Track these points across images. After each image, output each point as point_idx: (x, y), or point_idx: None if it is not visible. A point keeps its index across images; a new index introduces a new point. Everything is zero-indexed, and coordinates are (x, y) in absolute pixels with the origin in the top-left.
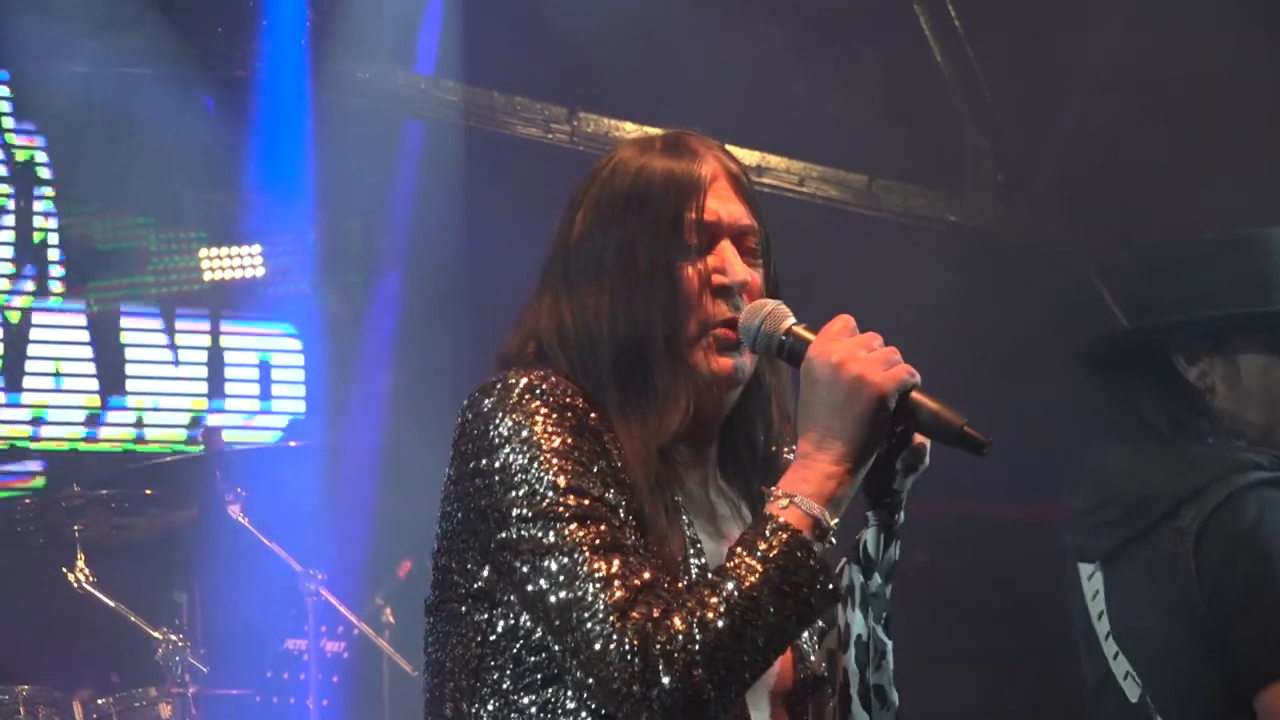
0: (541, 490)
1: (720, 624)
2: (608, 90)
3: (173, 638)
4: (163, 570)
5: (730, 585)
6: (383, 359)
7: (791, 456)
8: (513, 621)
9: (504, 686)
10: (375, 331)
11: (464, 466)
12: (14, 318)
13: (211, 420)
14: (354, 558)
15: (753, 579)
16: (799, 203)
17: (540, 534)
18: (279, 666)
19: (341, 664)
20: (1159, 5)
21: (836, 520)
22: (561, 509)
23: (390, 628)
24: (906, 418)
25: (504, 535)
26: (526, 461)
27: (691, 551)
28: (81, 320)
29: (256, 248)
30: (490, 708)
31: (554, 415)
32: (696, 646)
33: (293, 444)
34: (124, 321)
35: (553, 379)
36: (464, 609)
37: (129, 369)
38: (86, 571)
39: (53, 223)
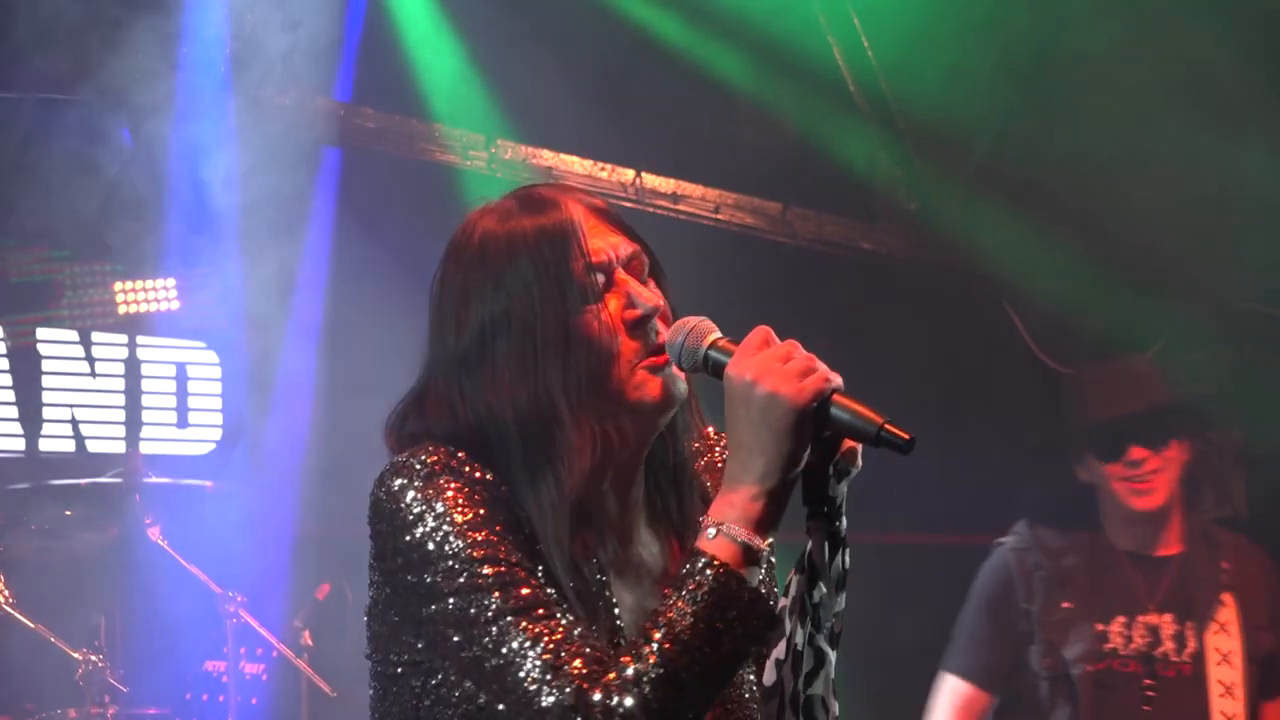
0: (459, 566)
1: (654, 675)
2: (524, 121)
3: (92, 658)
4: (83, 591)
5: (661, 632)
6: (302, 386)
7: (717, 458)
8: (445, 691)
9: None
10: (294, 359)
11: (383, 545)
12: None
13: (130, 435)
14: (273, 580)
15: (684, 623)
16: (714, 230)
17: (466, 607)
18: (198, 688)
19: (260, 686)
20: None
21: (769, 540)
22: (480, 580)
23: (309, 650)
24: (828, 425)
25: (431, 610)
26: (441, 539)
27: (606, 617)
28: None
29: (171, 281)
30: None
31: (465, 489)
32: (632, 700)
33: (209, 485)
34: (41, 349)
35: (460, 455)
36: (400, 671)
37: (46, 381)
38: (6, 593)
39: None
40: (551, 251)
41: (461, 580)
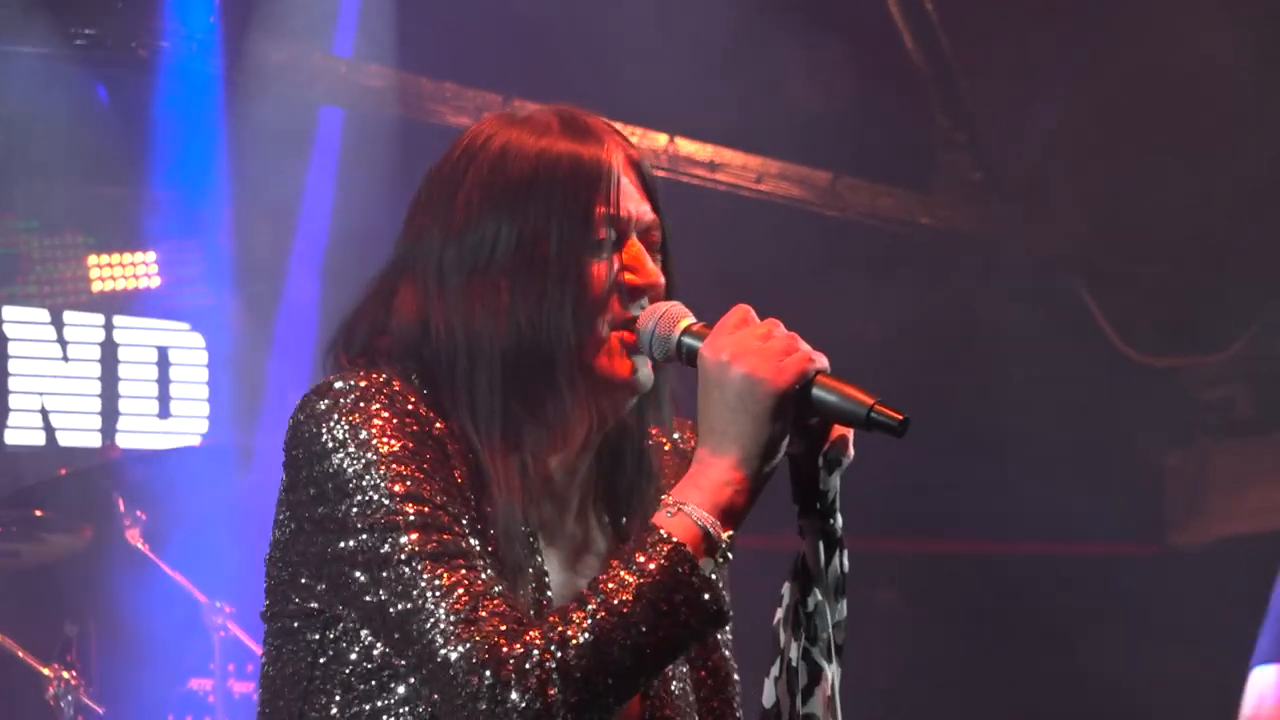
0: (378, 498)
1: (581, 639)
2: (544, 77)
3: (64, 675)
4: (54, 600)
5: (598, 600)
6: (298, 372)
7: (686, 449)
8: (344, 645)
9: (331, 713)
10: (288, 341)
11: (296, 474)
12: None
13: (106, 427)
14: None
15: (625, 594)
16: (756, 202)
17: (377, 544)
18: (181, 708)
19: (250, 707)
20: None
21: (732, 532)
22: (399, 518)
23: None
24: (813, 409)
25: (339, 546)
26: (362, 468)
27: (534, 587)
28: None
29: (151, 255)
30: None
31: (394, 420)
32: (553, 663)
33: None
34: (7, 330)
35: (395, 384)
36: (296, 625)
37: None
38: None
39: None
40: (584, 186)
41: (378, 516)
